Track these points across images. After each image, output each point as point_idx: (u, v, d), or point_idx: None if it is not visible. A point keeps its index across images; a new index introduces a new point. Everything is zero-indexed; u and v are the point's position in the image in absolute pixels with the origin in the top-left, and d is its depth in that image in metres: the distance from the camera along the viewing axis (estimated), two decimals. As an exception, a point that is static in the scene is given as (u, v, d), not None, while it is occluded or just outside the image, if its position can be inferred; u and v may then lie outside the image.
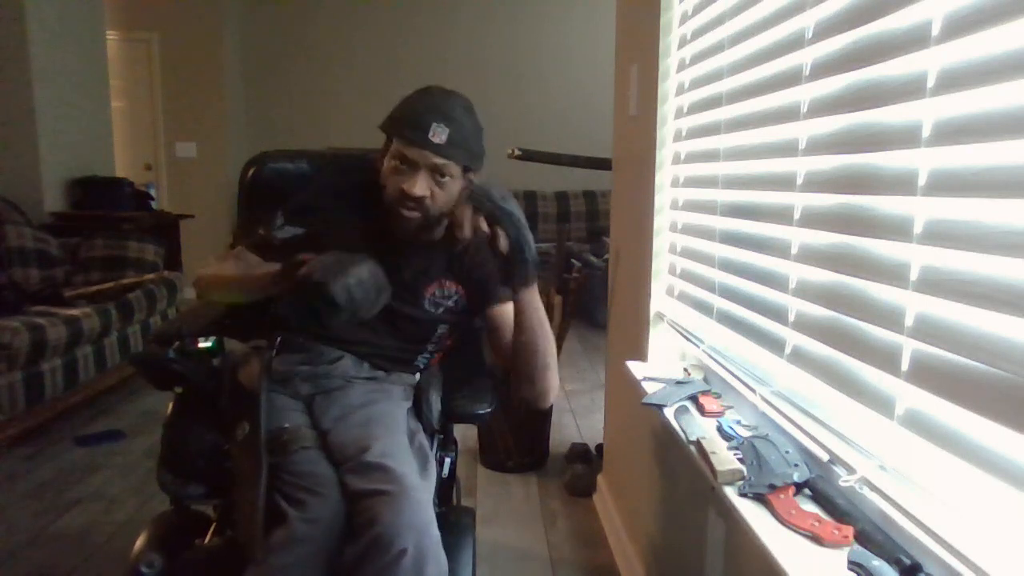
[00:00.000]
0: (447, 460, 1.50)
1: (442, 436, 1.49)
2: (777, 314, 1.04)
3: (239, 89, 6.16)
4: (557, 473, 2.65)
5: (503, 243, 1.19)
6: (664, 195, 1.64)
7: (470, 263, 1.44)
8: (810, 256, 0.95)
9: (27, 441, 2.87)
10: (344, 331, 1.36)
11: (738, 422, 1.17)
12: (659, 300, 1.67)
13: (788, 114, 1.01)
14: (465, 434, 2.82)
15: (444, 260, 1.43)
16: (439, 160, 1.29)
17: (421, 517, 1.09)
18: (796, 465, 0.93)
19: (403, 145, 1.30)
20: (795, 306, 1.00)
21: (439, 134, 1.28)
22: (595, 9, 5.87)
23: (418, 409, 1.41)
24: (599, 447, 2.62)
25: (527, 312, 1.28)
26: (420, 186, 1.29)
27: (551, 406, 2.72)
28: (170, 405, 1.42)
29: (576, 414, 3.30)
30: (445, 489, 1.53)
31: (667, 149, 1.62)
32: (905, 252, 0.74)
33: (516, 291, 1.27)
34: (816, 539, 0.81)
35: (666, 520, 1.64)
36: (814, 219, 0.94)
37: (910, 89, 0.72)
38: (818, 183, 0.93)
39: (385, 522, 1.06)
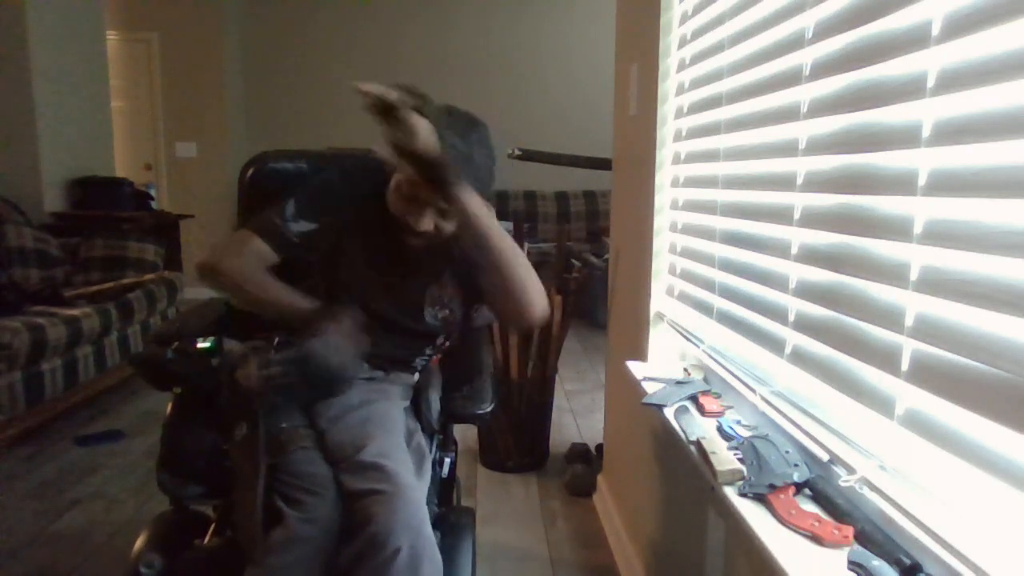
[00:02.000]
0: (447, 460, 1.50)
1: (442, 436, 1.49)
2: (777, 314, 1.04)
3: (239, 89, 6.17)
4: (557, 473, 2.65)
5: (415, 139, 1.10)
6: (664, 195, 1.64)
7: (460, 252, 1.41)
8: (810, 256, 0.95)
9: (27, 441, 2.87)
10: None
11: (738, 422, 1.17)
12: (659, 300, 1.67)
13: (788, 114, 1.00)
14: (465, 434, 2.82)
15: (444, 261, 1.43)
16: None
17: (416, 516, 1.10)
18: (796, 465, 0.93)
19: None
20: (795, 306, 1.00)
21: None
22: (595, 9, 5.88)
23: (417, 409, 1.41)
24: (599, 447, 2.62)
25: (471, 222, 1.21)
26: (426, 223, 1.30)
27: (551, 406, 2.74)
28: (169, 405, 1.42)
29: (576, 414, 3.30)
30: (445, 489, 1.53)
31: (667, 149, 1.62)
32: (905, 252, 0.74)
33: (448, 197, 1.20)
34: (816, 539, 0.81)
35: (666, 520, 1.64)
36: (814, 219, 0.94)
37: (910, 89, 0.72)
38: (818, 183, 0.92)
39: (380, 521, 1.06)
